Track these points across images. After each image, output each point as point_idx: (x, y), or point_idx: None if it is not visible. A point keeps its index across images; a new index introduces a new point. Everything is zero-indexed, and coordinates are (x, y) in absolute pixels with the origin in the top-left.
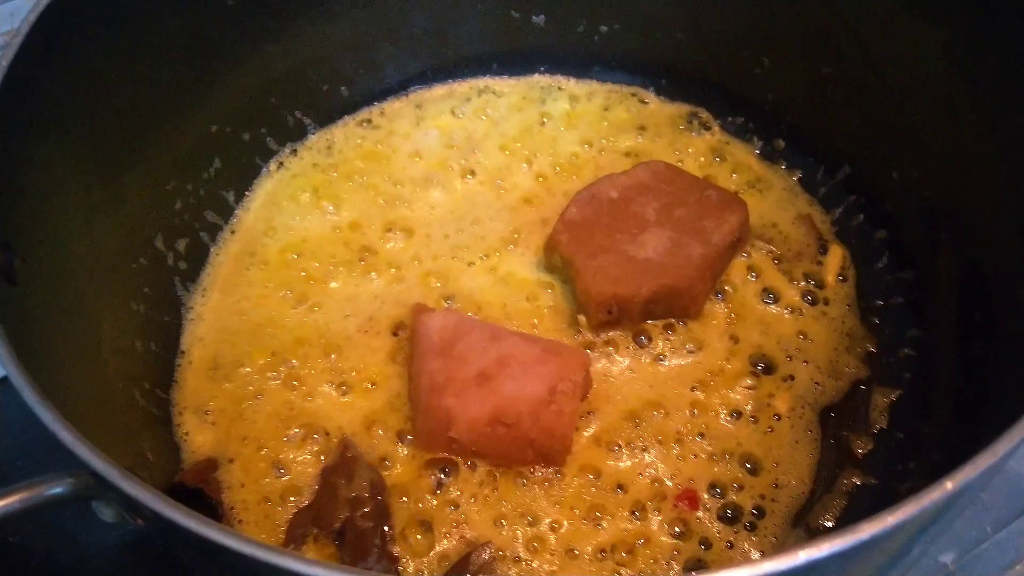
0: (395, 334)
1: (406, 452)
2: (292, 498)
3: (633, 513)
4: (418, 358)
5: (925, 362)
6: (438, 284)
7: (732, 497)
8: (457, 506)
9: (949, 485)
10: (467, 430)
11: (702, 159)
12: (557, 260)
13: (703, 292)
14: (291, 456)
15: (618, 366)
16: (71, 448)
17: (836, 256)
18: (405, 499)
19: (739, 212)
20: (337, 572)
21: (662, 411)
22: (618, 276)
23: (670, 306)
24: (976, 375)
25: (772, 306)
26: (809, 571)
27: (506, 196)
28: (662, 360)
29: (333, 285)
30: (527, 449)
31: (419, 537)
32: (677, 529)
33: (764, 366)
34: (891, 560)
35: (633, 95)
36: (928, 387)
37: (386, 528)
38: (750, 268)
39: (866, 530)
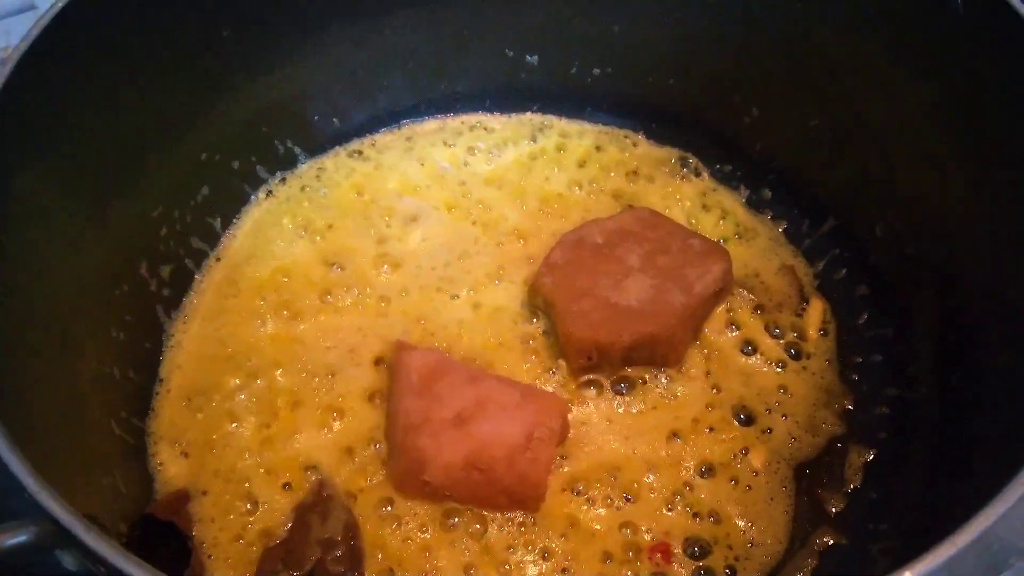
0: (377, 365)
1: (380, 490)
2: (264, 534)
3: (605, 562)
4: (396, 396)
5: (901, 422)
6: (422, 317)
7: (706, 555)
8: (429, 551)
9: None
10: (441, 474)
11: (689, 204)
12: (540, 302)
13: (684, 341)
14: (265, 491)
15: (596, 413)
16: (35, 497)
17: (817, 310)
18: (376, 541)
19: (722, 262)
20: None
21: (638, 461)
22: (599, 322)
23: (651, 354)
24: (952, 438)
25: (752, 358)
26: None
27: (493, 231)
28: (641, 408)
29: (316, 315)
30: (501, 495)
31: None
32: None
33: (744, 418)
34: None
35: (624, 137)
36: (903, 447)
37: (357, 575)
38: (731, 318)
39: None
